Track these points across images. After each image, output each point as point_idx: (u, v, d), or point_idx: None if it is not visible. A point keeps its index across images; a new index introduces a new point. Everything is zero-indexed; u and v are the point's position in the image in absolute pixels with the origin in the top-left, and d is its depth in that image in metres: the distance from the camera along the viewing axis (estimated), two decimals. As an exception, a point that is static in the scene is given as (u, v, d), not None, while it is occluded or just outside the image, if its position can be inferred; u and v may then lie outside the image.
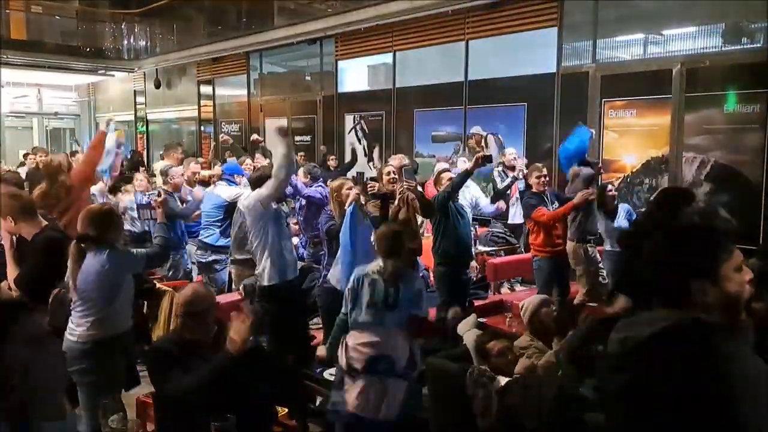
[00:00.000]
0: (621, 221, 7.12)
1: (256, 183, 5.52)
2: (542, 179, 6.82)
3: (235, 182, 7.17)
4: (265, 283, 5.29)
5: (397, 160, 7.02)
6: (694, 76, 8.31)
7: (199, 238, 6.96)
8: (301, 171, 8.20)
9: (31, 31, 19.27)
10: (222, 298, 6.08)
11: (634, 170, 8.87)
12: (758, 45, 7.99)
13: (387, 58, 12.67)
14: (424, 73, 12.22)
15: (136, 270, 4.16)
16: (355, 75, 13.97)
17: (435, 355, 4.65)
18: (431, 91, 11.94)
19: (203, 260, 6.90)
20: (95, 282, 3.93)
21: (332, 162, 12.19)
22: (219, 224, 6.81)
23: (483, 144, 10.68)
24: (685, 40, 8.69)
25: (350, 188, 5.75)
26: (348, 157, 12.51)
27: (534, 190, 6.85)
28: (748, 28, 8.19)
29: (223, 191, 6.91)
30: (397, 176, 6.13)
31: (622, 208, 7.22)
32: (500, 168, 8.99)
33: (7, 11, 18.50)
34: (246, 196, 5.52)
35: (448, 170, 6.93)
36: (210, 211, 6.92)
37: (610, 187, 7.33)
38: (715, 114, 8.11)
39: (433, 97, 11.88)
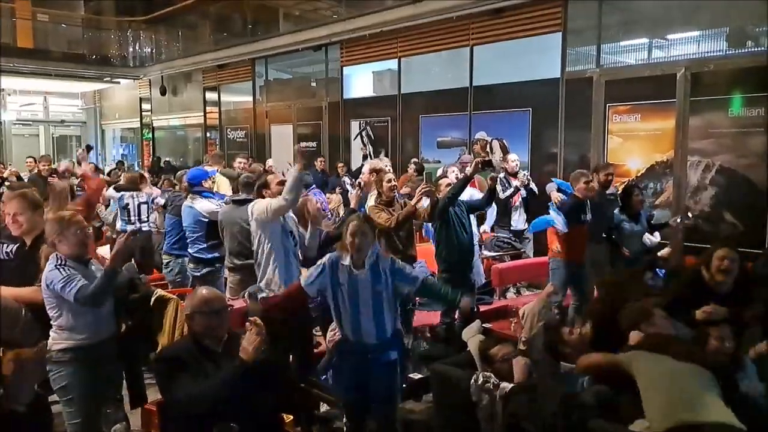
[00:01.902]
0: (642, 224, 7.13)
1: (258, 190, 5.55)
2: (589, 185, 6.72)
3: (210, 193, 6.95)
4: (266, 294, 5.24)
5: (369, 165, 7.03)
6: (699, 80, 8.30)
7: (190, 252, 6.85)
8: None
9: (38, 39, 19.38)
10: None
11: (639, 175, 8.85)
12: (762, 48, 7.98)
13: (392, 64, 12.69)
14: (429, 79, 12.25)
15: (68, 298, 3.81)
16: (361, 81, 13.99)
17: (440, 362, 4.66)
18: (436, 96, 11.96)
19: (197, 273, 6.87)
20: (44, 290, 3.90)
21: (341, 169, 12.31)
22: (204, 239, 6.68)
23: (488, 149, 10.63)
24: (689, 45, 8.68)
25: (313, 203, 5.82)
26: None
27: (578, 195, 6.75)
28: (753, 31, 8.19)
29: (199, 205, 6.72)
30: (397, 183, 6.14)
31: (643, 213, 7.21)
32: (502, 175, 8.98)
33: (14, 19, 18.60)
34: (257, 203, 5.49)
35: (445, 176, 6.92)
36: (191, 226, 6.77)
37: (637, 191, 7.21)
38: (720, 118, 8.10)
39: (438, 103, 11.89)
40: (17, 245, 4.41)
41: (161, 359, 3.57)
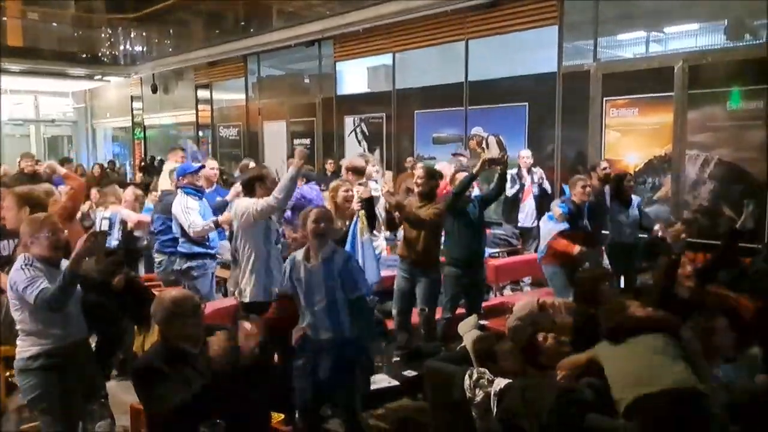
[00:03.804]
0: (633, 211, 7.23)
1: (246, 187, 5.37)
2: (586, 190, 6.78)
3: (192, 189, 6.60)
4: (247, 299, 5.10)
5: (347, 164, 6.88)
6: (697, 73, 8.20)
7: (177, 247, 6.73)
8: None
9: (28, 37, 19.23)
10: (217, 304, 5.99)
11: (637, 169, 8.75)
12: (761, 41, 7.91)
13: (386, 59, 12.58)
14: (424, 74, 12.12)
15: (28, 300, 3.71)
16: (355, 77, 13.90)
17: (434, 358, 4.56)
18: (431, 92, 11.85)
19: (179, 268, 6.76)
20: (8, 291, 3.82)
21: (330, 167, 12.13)
22: (184, 233, 6.54)
23: (484, 145, 10.55)
24: (687, 38, 8.65)
25: (347, 190, 5.67)
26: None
27: (575, 200, 6.79)
28: (751, 24, 8.11)
29: (176, 204, 6.53)
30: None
31: (634, 199, 7.34)
32: (514, 171, 8.97)
33: (4, 18, 18.44)
34: (239, 201, 5.31)
35: (464, 171, 6.82)
36: (174, 220, 6.64)
37: (629, 177, 7.41)
38: (718, 111, 8.01)
39: (433, 98, 11.79)
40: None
41: (136, 370, 3.43)
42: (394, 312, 6.20)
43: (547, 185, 8.91)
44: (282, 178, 5.07)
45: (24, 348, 3.81)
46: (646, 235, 7.35)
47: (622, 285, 7.38)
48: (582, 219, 6.80)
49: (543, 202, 8.83)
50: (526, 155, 9.16)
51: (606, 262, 7.38)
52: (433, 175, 6.18)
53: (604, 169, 7.11)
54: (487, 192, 6.55)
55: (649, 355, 3.55)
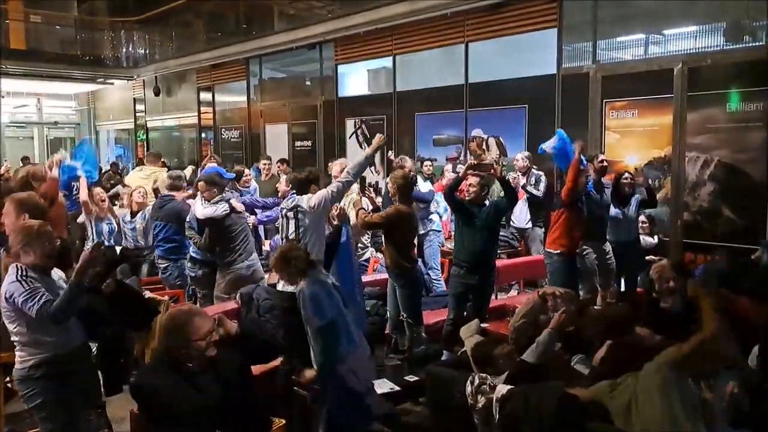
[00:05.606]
0: (632, 210, 7.27)
1: (304, 184, 5.55)
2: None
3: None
4: None
5: (340, 165, 6.93)
6: (696, 75, 8.21)
7: (189, 252, 6.79)
8: (283, 179, 8.40)
9: (31, 40, 19.27)
10: (219, 308, 6.01)
11: (637, 170, 8.76)
12: (760, 43, 7.89)
13: (387, 61, 12.59)
14: (424, 77, 12.14)
15: (29, 314, 3.63)
16: (356, 79, 13.92)
17: (435, 363, 4.59)
18: (432, 94, 11.86)
19: (193, 274, 6.78)
20: (2, 303, 3.76)
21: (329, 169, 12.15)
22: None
23: (484, 147, 10.59)
24: (686, 40, 8.61)
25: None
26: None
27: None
28: (750, 26, 8.10)
29: (198, 208, 6.48)
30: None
31: (634, 198, 7.33)
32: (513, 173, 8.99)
33: (7, 21, 18.47)
34: (306, 198, 5.39)
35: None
36: (190, 222, 6.65)
37: (627, 175, 7.40)
38: (718, 113, 8.01)
39: (433, 101, 11.80)
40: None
41: (136, 384, 3.42)
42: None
43: (536, 190, 8.86)
44: (358, 156, 5.51)
45: (24, 358, 3.79)
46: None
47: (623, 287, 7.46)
48: (582, 203, 6.78)
49: (537, 204, 8.95)
50: (519, 158, 9.14)
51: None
52: (399, 179, 6.19)
53: (601, 162, 7.12)
54: (499, 200, 6.54)
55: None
